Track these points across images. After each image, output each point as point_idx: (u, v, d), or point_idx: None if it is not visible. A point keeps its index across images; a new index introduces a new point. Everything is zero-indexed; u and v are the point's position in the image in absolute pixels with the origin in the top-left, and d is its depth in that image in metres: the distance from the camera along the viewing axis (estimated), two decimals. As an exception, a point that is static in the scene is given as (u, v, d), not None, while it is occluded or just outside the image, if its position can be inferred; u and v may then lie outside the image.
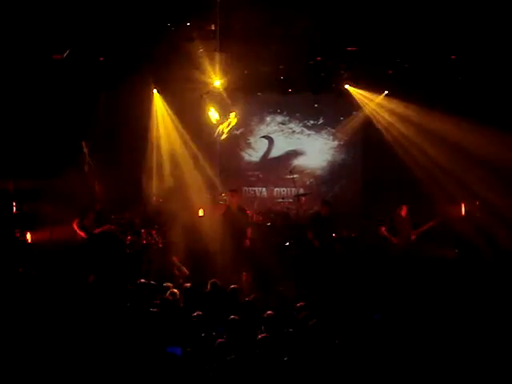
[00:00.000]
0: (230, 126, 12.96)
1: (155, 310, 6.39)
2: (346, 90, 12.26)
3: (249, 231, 10.67)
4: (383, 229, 10.50)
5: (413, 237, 10.29)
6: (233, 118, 12.87)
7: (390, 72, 11.51)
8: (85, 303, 7.07)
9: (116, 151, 12.39)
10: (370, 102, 12.51)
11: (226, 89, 11.77)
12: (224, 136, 12.98)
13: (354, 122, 12.88)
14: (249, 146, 13.42)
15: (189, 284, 8.73)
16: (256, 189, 13.41)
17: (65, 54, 10.32)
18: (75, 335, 5.36)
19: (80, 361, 4.71)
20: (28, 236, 11.23)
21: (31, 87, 11.04)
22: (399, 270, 9.88)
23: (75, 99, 11.94)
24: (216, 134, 13.05)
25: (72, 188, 11.48)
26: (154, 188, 12.77)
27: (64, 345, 5.13)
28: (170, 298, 7.31)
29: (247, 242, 10.58)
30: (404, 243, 10.29)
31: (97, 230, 10.91)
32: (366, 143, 13.02)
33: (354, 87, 12.18)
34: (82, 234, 10.81)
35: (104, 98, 12.33)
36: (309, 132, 13.30)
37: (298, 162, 13.30)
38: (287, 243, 11.76)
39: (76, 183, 11.48)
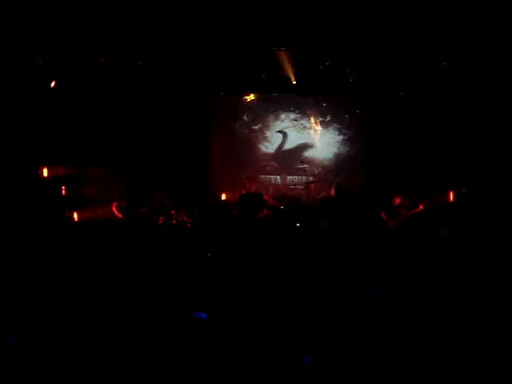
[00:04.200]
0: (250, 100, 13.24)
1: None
2: (351, 91, 12.27)
3: (265, 210, 11.02)
4: (383, 213, 10.62)
5: (404, 217, 10.35)
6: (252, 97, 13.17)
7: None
8: (120, 271, 7.11)
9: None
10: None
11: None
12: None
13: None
14: (266, 139, 13.47)
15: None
16: (271, 176, 13.43)
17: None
18: (105, 302, 5.37)
19: (109, 325, 4.67)
20: (75, 215, 11.36)
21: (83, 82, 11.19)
22: (394, 249, 9.80)
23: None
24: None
25: (113, 174, 11.65)
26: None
27: (97, 307, 5.14)
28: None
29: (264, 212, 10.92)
30: (397, 226, 10.36)
31: (134, 212, 11.01)
32: (368, 138, 13.01)
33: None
34: (120, 215, 10.96)
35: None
36: (318, 128, 13.25)
37: (308, 153, 13.30)
38: (298, 224, 11.77)
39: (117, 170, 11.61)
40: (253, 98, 13.16)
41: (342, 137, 13.25)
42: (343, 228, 10.86)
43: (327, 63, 10.92)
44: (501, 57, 9.54)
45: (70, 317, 4.87)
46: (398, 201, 10.43)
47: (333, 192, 11.22)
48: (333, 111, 13.21)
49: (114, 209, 10.99)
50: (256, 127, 13.46)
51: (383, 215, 10.59)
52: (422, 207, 10.18)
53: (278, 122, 13.41)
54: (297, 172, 13.22)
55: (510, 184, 10.21)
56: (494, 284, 6.90)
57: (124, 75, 11.17)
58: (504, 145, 10.32)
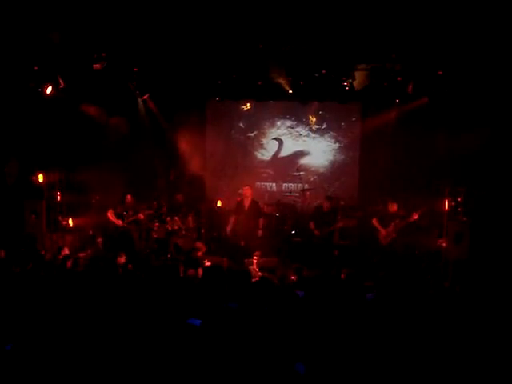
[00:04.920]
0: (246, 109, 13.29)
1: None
2: (347, 99, 12.21)
3: (261, 221, 10.79)
4: (375, 220, 10.44)
5: (398, 227, 10.11)
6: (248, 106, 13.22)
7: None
8: (115, 278, 6.99)
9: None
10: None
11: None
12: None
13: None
14: (261, 146, 13.48)
15: (209, 263, 8.88)
16: (267, 184, 13.43)
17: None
18: (100, 307, 5.14)
19: (105, 331, 4.46)
20: (70, 221, 11.31)
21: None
22: (388, 258, 9.86)
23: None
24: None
25: (108, 181, 11.55)
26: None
27: (91, 314, 4.91)
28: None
29: (260, 232, 10.69)
30: (391, 234, 10.17)
31: (129, 219, 10.88)
32: (363, 146, 13.01)
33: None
34: (118, 222, 10.80)
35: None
36: (314, 135, 13.26)
37: (304, 161, 13.29)
38: (293, 231, 11.83)
39: (112, 177, 11.48)
40: (249, 107, 13.20)
41: (337, 144, 13.22)
42: (336, 236, 10.82)
43: (323, 71, 10.83)
44: (495, 67, 9.56)
45: (63, 320, 4.70)
46: (393, 208, 10.26)
47: (327, 203, 11.01)
48: (329, 119, 13.20)
49: (109, 215, 10.85)
50: (252, 134, 13.46)
51: (376, 223, 10.43)
52: (416, 216, 9.99)
53: (273, 129, 13.41)
54: (292, 179, 13.17)
55: (506, 193, 10.23)
56: (491, 289, 6.91)
57: (119, 80, 11.18)
58: (501, 153, 10.33)
